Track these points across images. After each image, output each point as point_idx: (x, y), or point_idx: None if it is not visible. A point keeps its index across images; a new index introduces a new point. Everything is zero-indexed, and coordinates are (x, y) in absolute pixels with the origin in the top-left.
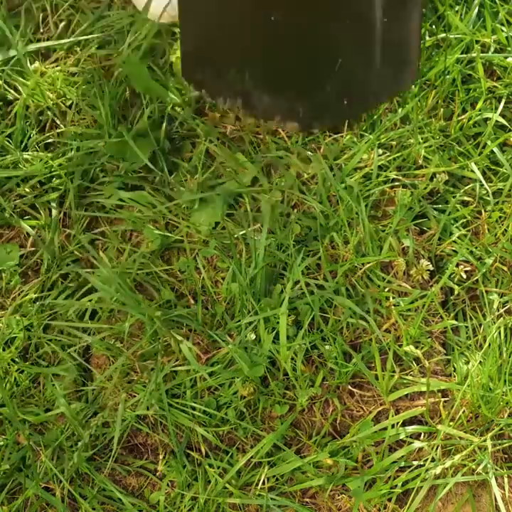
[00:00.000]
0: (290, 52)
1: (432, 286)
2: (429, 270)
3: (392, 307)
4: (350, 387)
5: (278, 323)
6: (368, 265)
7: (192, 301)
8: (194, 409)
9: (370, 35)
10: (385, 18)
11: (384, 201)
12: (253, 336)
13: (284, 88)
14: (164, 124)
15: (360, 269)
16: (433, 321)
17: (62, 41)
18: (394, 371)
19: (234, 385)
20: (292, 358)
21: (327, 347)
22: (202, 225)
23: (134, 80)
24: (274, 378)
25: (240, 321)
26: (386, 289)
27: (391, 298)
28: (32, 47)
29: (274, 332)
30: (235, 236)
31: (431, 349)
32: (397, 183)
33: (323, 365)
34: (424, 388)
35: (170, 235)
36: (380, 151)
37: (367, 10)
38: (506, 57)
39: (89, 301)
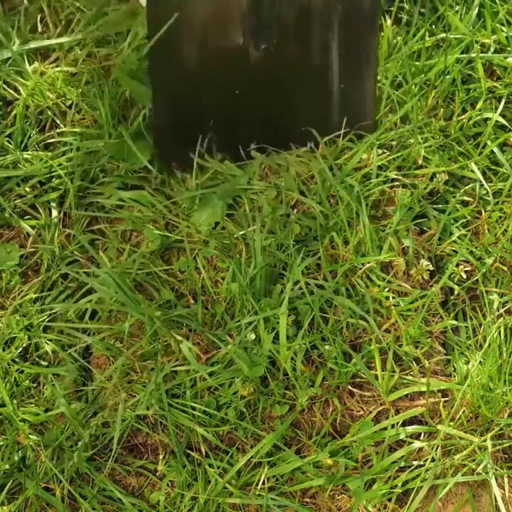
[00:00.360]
0: (253, 120)
1: (431, 286)
2: (429, 270)
3: (392, 307)
4: (350, 387)
5: (278, 323)
6: (368, 265)
7: (192, 301)
8: (194, 409)
9: (327, 102)
10: (341, 85)
11: (384, 201)
12: (253, 336)
13: (247, 151)
14: None
15: (360, 269)
16: (433, 321)
17: (62, 41)
18: (394, 371)
19: (234, 385)
20: (292, 358)
21: (327, 347)
22: (202, 225)
23: (123, 82)
24: (274, 378)
25: (239, 321)
26: (386, 289)
27: (391, 298)
28: (31, 47)
29: (274, 332)
30: (235, 236)
31: (431, 349)
32: (397, 183)
33: (323, 365)
34: (424, 388)
35: (170, 235)
36: (380, 151)
37: (325, 78)
38: (506, 57)
39: (89, 301)
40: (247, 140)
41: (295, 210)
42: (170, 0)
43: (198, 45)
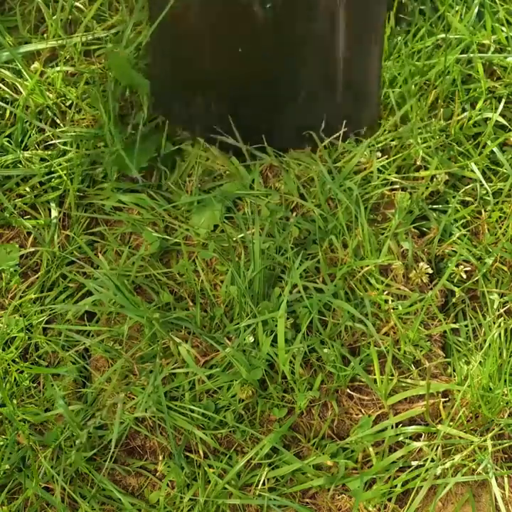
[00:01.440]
0: (255, 86)
1: (431, 289)
2: (428, 273)
3: (391, 310)
4: (349, 390)
5: (276, 326)
6: (367, 268)
7: (191, 304)
8: (192, 411)
9: (332, 72)
10: (347, 55)
11: (383, 204)
12: (252, 339)
13: (247, 124)
14: (166, 127)
15: (359, 272)
16: (432, 324)
17: (61, 41)
18: (392, 375)
19: (232, 387)
20: (291, 361)
21: (326, 350)
22: (201, 227)
23: (118, 73)
24: (273, 381)
25: (238, 323)
26: (385, 292)
27: (390, 301)
28: (31, 47)
29: (273, 335)
30: (234, 239)
31: (430, 352)
32: (396, 186)
33: (322, 368)
34: (423, 391)
35: (169, 237)
36: (379, 154)
37: (330, 48)
38: (506, 57)
39: (94, 302)
40: (247, 105)
41: (294, 213)
42: None
43: (200, 1)
